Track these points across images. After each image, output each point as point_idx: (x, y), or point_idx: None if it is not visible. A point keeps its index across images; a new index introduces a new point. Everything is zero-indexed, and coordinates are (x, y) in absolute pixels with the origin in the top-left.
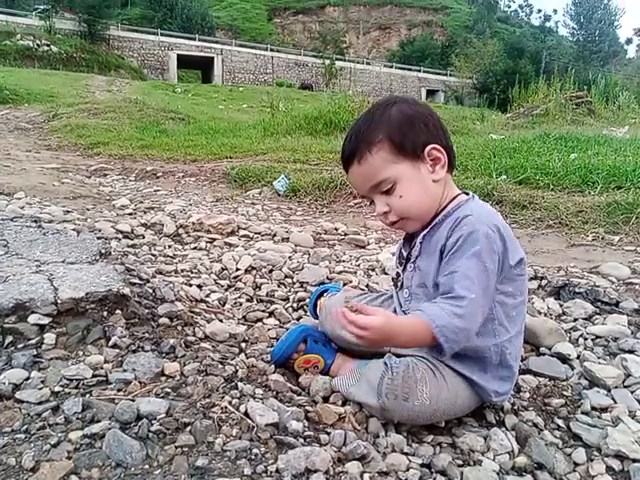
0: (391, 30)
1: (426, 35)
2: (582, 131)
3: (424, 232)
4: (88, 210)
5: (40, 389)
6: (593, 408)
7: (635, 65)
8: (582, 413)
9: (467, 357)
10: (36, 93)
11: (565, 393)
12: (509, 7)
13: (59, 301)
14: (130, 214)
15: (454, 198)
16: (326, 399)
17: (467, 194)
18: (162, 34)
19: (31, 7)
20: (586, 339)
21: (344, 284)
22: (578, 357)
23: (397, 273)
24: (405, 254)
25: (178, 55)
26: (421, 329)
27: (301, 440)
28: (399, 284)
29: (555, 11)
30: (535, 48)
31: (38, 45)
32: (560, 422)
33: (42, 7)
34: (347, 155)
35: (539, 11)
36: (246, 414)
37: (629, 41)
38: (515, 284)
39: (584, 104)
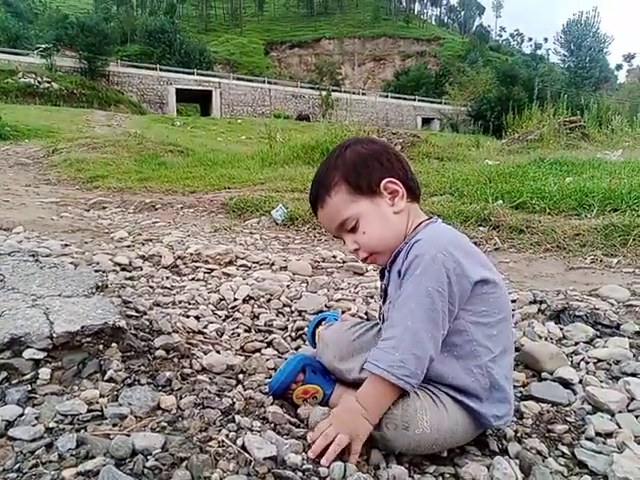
0: (385, 61)
1: (420, 65)
2: (576, 155)
3: (389, 261)
4: (86, 243)
5: (34, 425)
6: (597, 434)
7: (626, 90)
8: (586, 439)
9: (458, 389)
10: (37, 129)
11: (568, 419)
12: (500, 36)
13: (54, 335)
14: (128, 246)
15: (418, 225)
16: None
17: (432, 218)
18: (161, 69)
19: (33, 46)
20: (588, 363)
21: (342, 312)
22: (580, 381)
23: (380, 307)
24: (383, 287)
25: (177, 89)
26: (375, 381)
27: (300, 474)
28: (381, 317)
29: (546, 39)
30: (527, 75)
31: (39, 82)
32: (564, 449)
33: (44, 46)
34: (312, 201)
35: (530, 39)
36: (243, 447)
37: (619, 67)
38: (488, 302)
39: (578, 128)
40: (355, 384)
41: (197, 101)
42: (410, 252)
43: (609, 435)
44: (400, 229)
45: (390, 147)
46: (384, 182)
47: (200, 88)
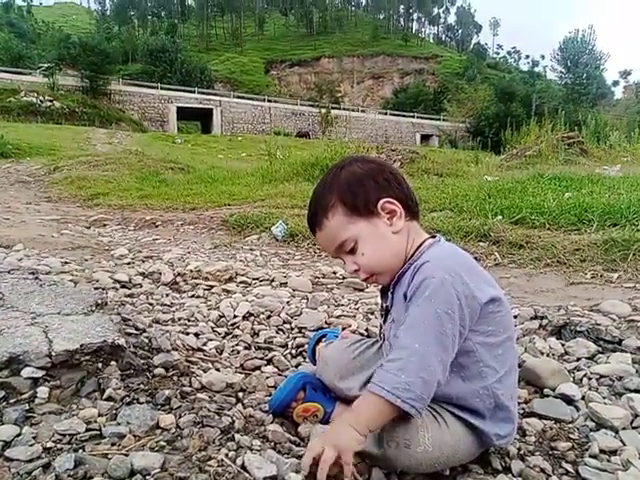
0: (384, 79)
1: (418, 82)
2: (575, 170)
3: (393, 282)
4: (86, 260)
5: (31, 445)
6: (601, 451)
7: (623, 105)
8: (590, 457)
9: (463, 404)
10: (38, 147)
11: (572, 436)
12: (498, 54)
13: (53, 353)
14: (128, 263)
15: (421, 244)
16: None
17: (435, 237)
18: (162, 88)
19: (35, 65)
20: (590, 379)
21: (343, 328)
22: (583, 398)
23: (380, 325)
24: (384, 306)
25: (178, 107)
26: (376, 401)
27: None
28: (382, 336)
29: (543, 56)
30: (525, 92)
31: (41, 101)
32: (568, 467)
33: (46, 65)
34: (310, 223)
35: (527, 57)
36: (243, 467)
37: (616, 83)
38: (494, 322)
39: (576, 144)
40: None
41: (198, 119)
42: (417, 274)
43: (613, 452)
44: (400, 249)
45: (387, 165)
46: (381, 202)
47: (201, 106)
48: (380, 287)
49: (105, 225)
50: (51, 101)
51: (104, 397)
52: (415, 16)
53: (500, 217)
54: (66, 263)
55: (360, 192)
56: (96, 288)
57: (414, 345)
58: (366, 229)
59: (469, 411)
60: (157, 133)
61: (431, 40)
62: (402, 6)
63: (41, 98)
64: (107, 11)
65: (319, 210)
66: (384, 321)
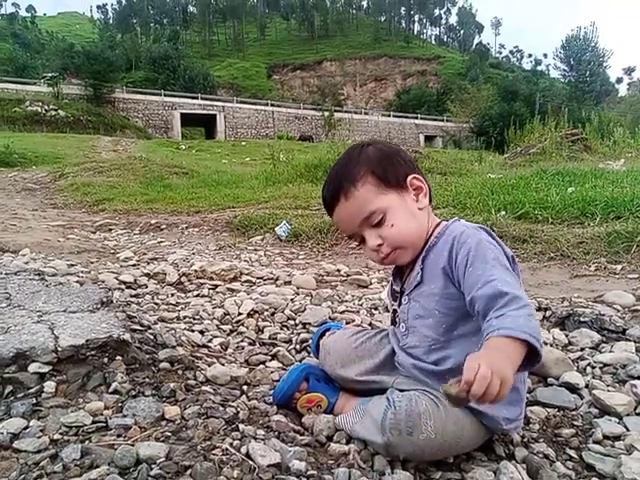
0: (387, 81)
1: (421, 84)
2: (579, 166)
3: (422, 257)
4: (92, 263)
5: (39, 437)
6: (605, 437)
7: (628, 102)
8: (594, 442)
9: None
10: (44, 156)
11: (575, 423)
12: (500, 53)
13: (59, 349)
14: (134, 265)
15: (437, 225)
16: (330, 438)
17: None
18: (166, 94)
19: (40, 75)
20: (594, 367)
21: (346, 322)
22: (587, 386)
23: (394, 310)
24: (398, 289)
25: (182, 114)
26: (515, 345)
27: None
28: (396, 320)
29: (545, 55)
30: (528, 91)
31: (46, 110)
32: (572, 453)
33: (50, 74)
34: (331, 195)
35: (530, 55)
36: (247, 455)
37: (619, 80)
38: (518, 281)
39: (580, 141)
40: (360, 392)
41: (202, 125)
42: (462, 242)
43: (617, 438)
44: (424, 225)
45: (406, 152)
46: (410, 178)
47: (204, 112)
48: (393, 270)
49: (111, 229)
50: (56, 110)
51: (110, 390)
52: (416, 17)
53: (503, 213)
54: (72, 265)
55: (390, 167)
56: (101, 288)
57: (523, 294)
58: (396, 201)
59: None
60: (161, 140)
61: (433, 41)
62: (403, 8)
63: (46, 107)
64: (110, 20)
65: (345, 181)
66: (399, 305)
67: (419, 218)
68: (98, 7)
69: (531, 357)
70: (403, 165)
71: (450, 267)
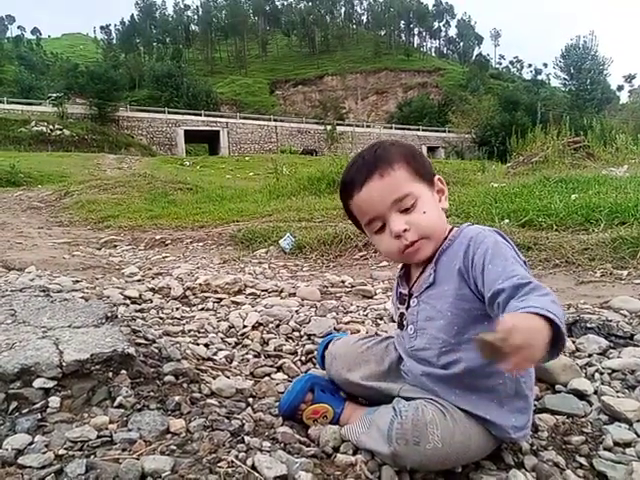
0: (388, 94)
1: (422, 96)
2: (582, 173)
3: (435, 259)
4: (97, 279)
5: (44, 453)
6: (616, 443)
7: (629, 109)
8: (604, 449)
9: (481, 394)
10: (49, 175)
11: (585, 430)
12: (500, 64)
13: (64, 364)
14: (139, 280)
15: (450, 230)
16: (336, 449)
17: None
18: (169, 112)
19: (45, 95)
20: (602, 374)
21: (351, 333)
22: (595, 392)
23: (401, 313)
24: (406, 292)
25: (185, 130)
26: (542, 323)
27: None
28: (404, 323)
29: (545, 64)
30: (530, 100)
31: (51, 130)
32: (582, 460)
33: (55, 95)
34: (366, 172)
35: (530, 65)
36: (253, 467)
37: (620, 88)
38: None
39: (582, 148)
40: (366, 400)
41: (205, 141)
42: (479, 242)
43: (628, 444)
44: (445, 224)
45: None
46: (436, 178)
47: (208, 129)
48: (399, 273)
49: (116, 246)
50: (61, 130)
51: (115, 405)
52: (416, 31)
53: (507, 221)
54: (77, 282)
55: (422, 161)
56: (106, 303)
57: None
58: (428, 193)
59: (485, 403)
60: (166, 157)
61: (433, 53)
62: (402, 21)
63: (51, 127)
64: (113, 40)
65: (382, 162)
66: (407, 308)
67: (443, 217)
68: (102, 28)
69: (553, 344)
70: (429, 165)
71: (466, 267)
